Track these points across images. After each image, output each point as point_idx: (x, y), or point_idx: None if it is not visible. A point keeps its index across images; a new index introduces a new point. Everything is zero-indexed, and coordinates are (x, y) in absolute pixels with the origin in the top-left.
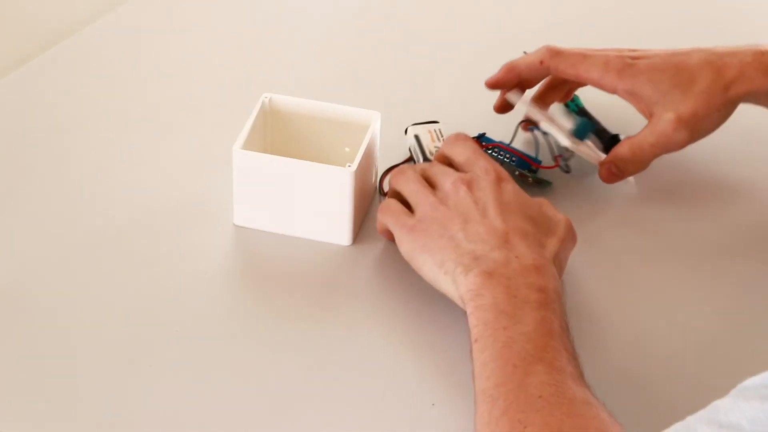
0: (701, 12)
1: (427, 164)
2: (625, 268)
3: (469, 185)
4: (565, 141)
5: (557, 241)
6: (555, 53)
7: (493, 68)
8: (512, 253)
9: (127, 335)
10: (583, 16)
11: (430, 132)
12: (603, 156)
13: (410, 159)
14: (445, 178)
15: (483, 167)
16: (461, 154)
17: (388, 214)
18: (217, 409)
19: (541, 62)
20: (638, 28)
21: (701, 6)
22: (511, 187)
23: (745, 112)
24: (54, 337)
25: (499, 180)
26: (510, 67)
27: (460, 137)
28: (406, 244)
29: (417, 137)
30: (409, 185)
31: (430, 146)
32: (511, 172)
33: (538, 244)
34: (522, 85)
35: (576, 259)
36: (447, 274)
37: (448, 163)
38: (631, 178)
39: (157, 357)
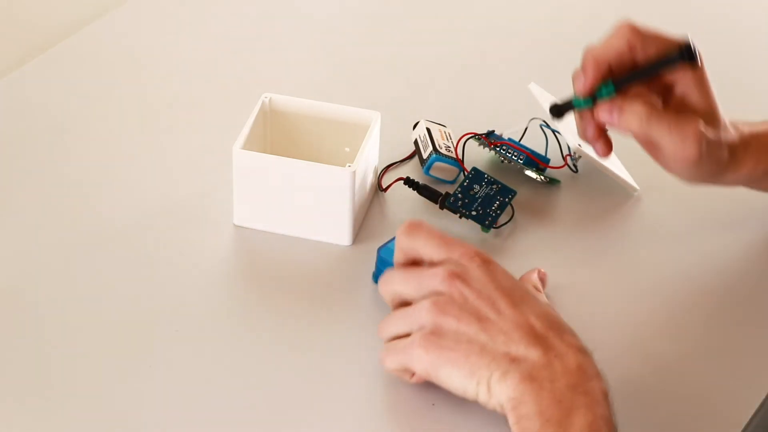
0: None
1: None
2: (631, 268)
3: (463, 279)
4: (575, 142)
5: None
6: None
7: (493, 67)
8: (551, 351)
9: (127, 335)
10: (584, 14)
11: (440, 130)
12: (611, 162)
13: (414, 154)
14: (432, 278)
15: (461, 252)
16: (426, 244)
17: (391, 352)
18: (217, 409)
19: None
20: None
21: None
22: (497, 266)
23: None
24: (53, 337)
25: (485, 262)
26: (595, 63)
27: (412, 225)
28: (421, 364)
29: (429, 130)
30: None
31: (440, 141)
32: (520, 173)
33: (562, 330)
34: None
35: (581, 258)
36: (481, 383)
37: (414, 259)
38: (635, 185)
39: (157, 357)
